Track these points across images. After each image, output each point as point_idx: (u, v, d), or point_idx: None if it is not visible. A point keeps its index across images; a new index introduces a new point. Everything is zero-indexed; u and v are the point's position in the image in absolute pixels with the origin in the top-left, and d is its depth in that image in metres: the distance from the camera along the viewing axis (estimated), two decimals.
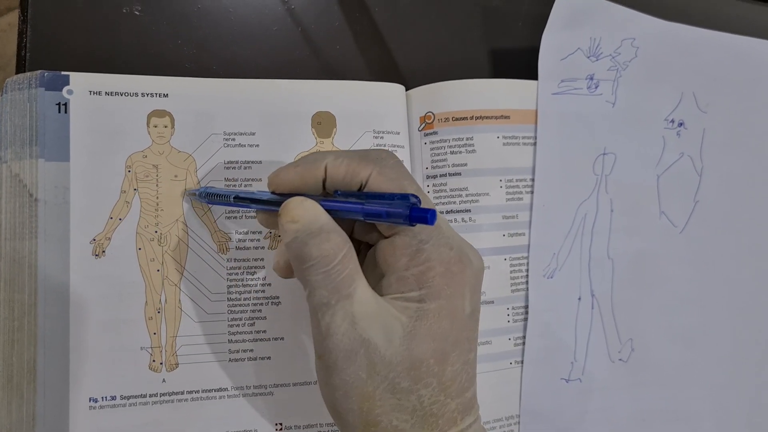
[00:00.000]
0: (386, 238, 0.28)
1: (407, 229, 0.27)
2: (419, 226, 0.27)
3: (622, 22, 0.43)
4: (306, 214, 0.26)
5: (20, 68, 0.35)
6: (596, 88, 0.42)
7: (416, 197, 0.26)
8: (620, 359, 0.40)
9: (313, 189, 0.28)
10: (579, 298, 0.40)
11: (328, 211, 0.27)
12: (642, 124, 0.42)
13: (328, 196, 0.29)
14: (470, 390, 0.28)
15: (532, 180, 0.40)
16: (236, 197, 0.31)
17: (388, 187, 0.27)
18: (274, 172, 0.29)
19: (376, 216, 0.26)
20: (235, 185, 0.36)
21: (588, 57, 0.42)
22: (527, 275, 0.39)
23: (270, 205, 0.30)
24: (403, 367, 0.26)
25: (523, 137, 0.40)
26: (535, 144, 0.40)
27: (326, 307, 0.26)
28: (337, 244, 0.26)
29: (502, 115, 0.39)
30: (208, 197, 0.33)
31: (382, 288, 0.28)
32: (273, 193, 0.30)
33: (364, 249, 0.30)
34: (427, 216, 0.24)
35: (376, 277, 0.28)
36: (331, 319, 0.26)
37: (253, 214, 0.35)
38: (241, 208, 0.35)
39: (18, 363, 0.32)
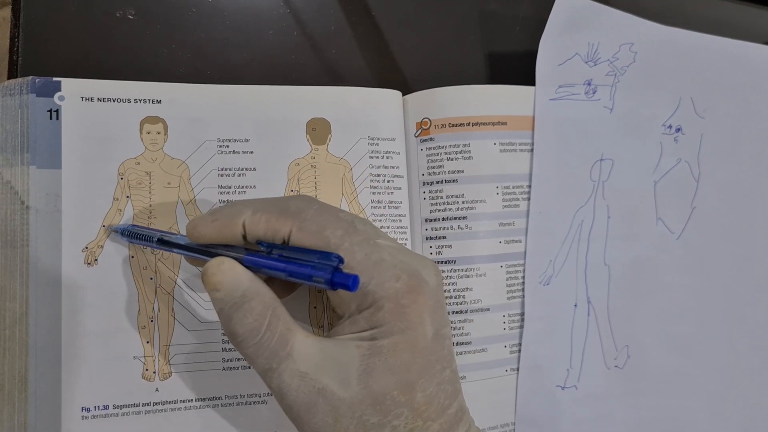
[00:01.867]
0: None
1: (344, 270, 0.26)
2: (361, 265, 0.26)
3: (621, 27, 0.43)
4: (225, 279, 0.26)
5: (12, 73, 0.35)
6: (594, 93, 0.42)
7: (338, 257, 0.25)
8: (616, 366, 0.40)
9: (232, 242, 0.28)
10: (575, 305, 0.40)
11: (251, 268, 0.27)
12: (640, 130, 0.43)
13: (251, 245, 0.28)
14: (452, 406, 0.28)
15: (529, 187, 0.40)
16: (159, 240, 0.31)
17: (311, 243, 0.26)
18: (191, 222, 0.29)
19: (300, 277, 0.25)
20: (229, 192, 0.36)
21: (586, 62, 0.42)
22: (523, 282, 0.39)
23: (194, 252, 0.29)
24: (367, 404, 0.26)
25: (520, 144, 0.40)
26: (532, 150, 0.40)
27: (271, 371, 0.26)
28: (260, 314, 0.26)
29: (498, 122, 0.39)
30: (130, 236, 0.32)
31: (339, 330, 0.28)
32: None
33: None
34: (348, 283, 0.24)
35: (334, 320, 0.29)
36: (280, 380, 0.26)
37: None
38: (164, 251, 0.34)
39: (9, 372, 0.31)
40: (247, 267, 0.27)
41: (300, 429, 0.27)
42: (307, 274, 0.25)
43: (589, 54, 0.42)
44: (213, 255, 0.28)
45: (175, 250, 0.30)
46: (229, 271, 0.26)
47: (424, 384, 0.26)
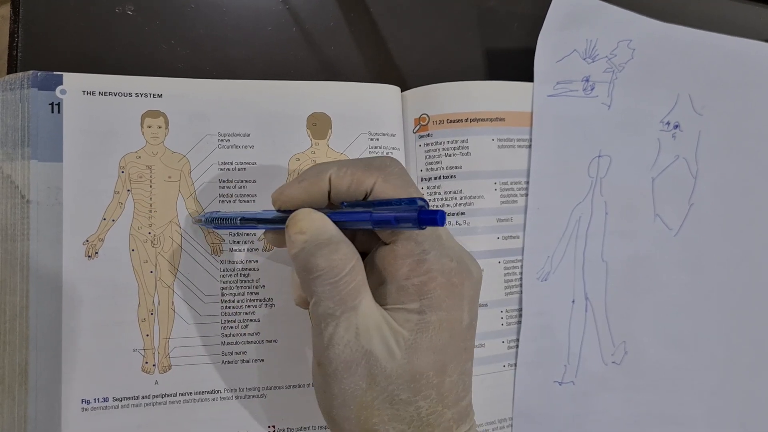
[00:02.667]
0: (387, 245, 0.28)
1: (410, 238, 0.27)
2: (422, 235, 0.27)
3: (619, 24, 0.43)
4: (314, 225, 0.27)
5: (12, 68, 0.35)
6: (592, 90, 0.42)
7: (424, 200, 0.27)
8: (613, 362, 0.41)
9: (318, 202, 0.29)
10: (573, 301, 0.40)
11: (336, 222, 0.27)
12: (638, 127, 0.43)
13: (334, 208, 0.29)
14: (466, 399, 0.28)
15: (527, 183, 0.40)
16: (242, 219, 0.31)
17: (394, 194, 0.27)
18: (278, 189, 0.29)
19: (386, 223, 0.26)
20: (229, 186, 0.36)
21: (584, 59, 0.42)
22: (521, 278, 0.39)
23: (277, 223, 0.29)
24: (404, 380, 0.26)
25: (518, 140, 0.40)
26: (530, 146, 0.40)
27: (331, 318, 0.26)
28: (346, 255, 0.26)
29: (497, 118, 0.40)
30: (214, 222, 0.33)
31: (381, 296, 0.28)
32: (279, 210, 0.30)
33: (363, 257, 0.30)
34: (436, 217, 0.24)
35: (374, 284, 0.28)
36: (335, 330, 0.26)
37: None
38: (249, 230, 0.35)
39: (9, 365, 0.32)
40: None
41: (325, 387, 0.27)
42: (393, 217, 0.25)
43: (587, 50, 0.42)
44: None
45: (259, 226, 0.31)
46: (317, 218, 0.27)
47: (452, 369, 0.27)
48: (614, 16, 0.43)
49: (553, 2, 0.42)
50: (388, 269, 0.28)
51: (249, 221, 0.31)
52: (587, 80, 0.42)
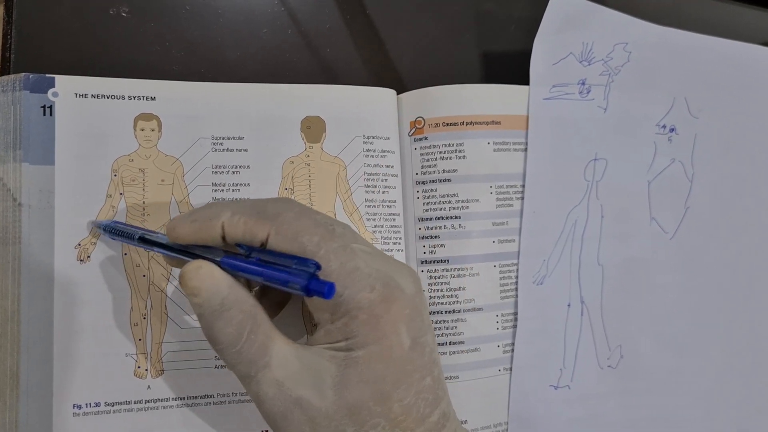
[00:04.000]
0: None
1: None
2: (333, 274, 0.26)
3: (615, 27, 0.44)
4: (204, 285, 0.26)
5: (5, 70, 0.36)
6: (588, 93, 0.43)
7: (315, 264, 0.26)
8: (609, 366, 0.41)
9: (211, 243, 0.28)
10: (568, 305, 0.41)
11: (230, 271, 0.27)
12: (633, 130, 0.44)
13: (230, 247, 0.28)
14: (434, 413, 0.28)
15: (523, 186, 0.41)
16: (140, 238, 0.31)
17: (288, 248, 0.26)
18: (171, 222, 0.29)
19: (276, 282, 0.26)
20: (223, 190, 0.36)
21: (580, 62, 0.43)
22: (517, 282, 0.40)
23: (173, 251, 0.29)
24: (342, 415, 0.26)
25: (514, 143, 0.41)
26: (525, 150, 0.41)
27: (249, 378, 0.27)
28: (241, 323, 0.26)
29: (492, 121, 0.40)
30: (112, 232, 0.33)
31: (315, 337, 0.28)
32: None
33: None
34: (323, 291, 0.24)
35: (311, 325, 0.29)
36: (258, 388, 0.27)
37: None
38: (145, 249, 0.34)
39: (0, 369, 0.32)
40: (224, 270, 0.27)
41: None
42: (284, 279, 0.25)
43: (583, 53, 0.43)
44: (193, 256, 0.28)
45: (155, 249, 0.31)
46: (207, 276, 0.26)
47: (401, 394, 0.27)
48: (610, 19, 0.44)
49: (549, 5, 0.42)
50: (317, 314, 0.28)
51: (147, 242, 0.31)
52: (583, 83, 0.43)
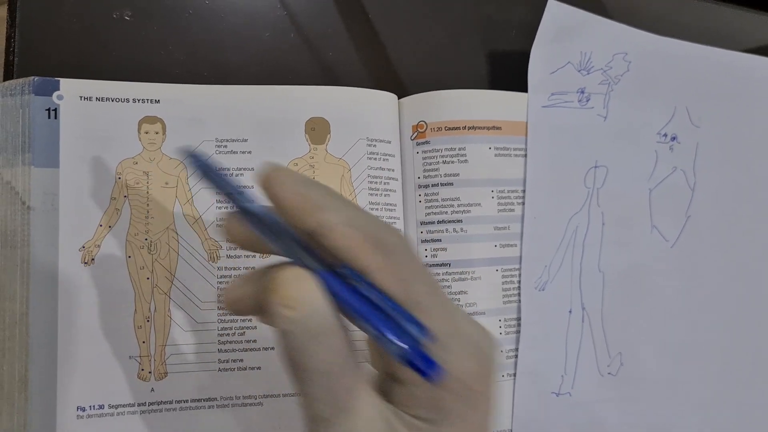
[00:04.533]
0: None
1: None
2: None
3: (613, 37, 0.45)
4: (304, 300, 0.21)
5: (8, 74, 0.37)
6: (587, 101, 0.44)
7: (424, 330, 0.22)
8: (609, 373, 0.42)
9: (297, 225, 0.23)
10: (570, 311, 0.42)
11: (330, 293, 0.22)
12: (634, 138, 0.45)
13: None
14: None
15: (524, 191, 0.41)
16: (232, 193, 0.24)
17: (395, 291, 0.22)
18: (278, 174, 0.23)
19: (377, 334, 0.21)
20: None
21: (579, 71, 0.44)
22: (519, 287, 0.41)
23: (267, 228, 0.23)
24: None
25: (515, 149, 0.42)
26: (526, 156, 0.42)
27: (324, 423, 0.22)
28: (341, 351, 0.22)
29: (493, 126, 0.41)
30: (204, 170, 0.25)
31: (395, 395, 0.24)
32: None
33: None
34: (428, 372, 0.21)
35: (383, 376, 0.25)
36: None
37: None
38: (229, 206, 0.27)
39: (8, 372, 0.33)
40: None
41: None
42: (386, 335, 0.21)
43: (581, 63, 0.44)
44: (287, 251, 0.23)
45: (240, 208, 0.24)
46: (311, 290, 0.22)
47: None
48: (608, 30, 0.45)
49: (544, 15, 0.43)
50: (399, 372, 0.23)
51: (242, 209, 0.24)
52: (582, 92, 0.44)
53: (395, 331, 0.21)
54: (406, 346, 0.21)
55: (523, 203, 0.41)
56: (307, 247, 0.22)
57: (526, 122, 0.42)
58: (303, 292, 0.21)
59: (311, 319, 0.21)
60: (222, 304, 0.29)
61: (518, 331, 0.40)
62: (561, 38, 0.44)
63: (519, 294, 0.41)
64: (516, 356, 0.40)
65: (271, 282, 0.22)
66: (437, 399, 0.23)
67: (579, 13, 0.44)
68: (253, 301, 0.24)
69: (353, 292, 0.22)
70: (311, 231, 0.22)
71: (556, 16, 0.44)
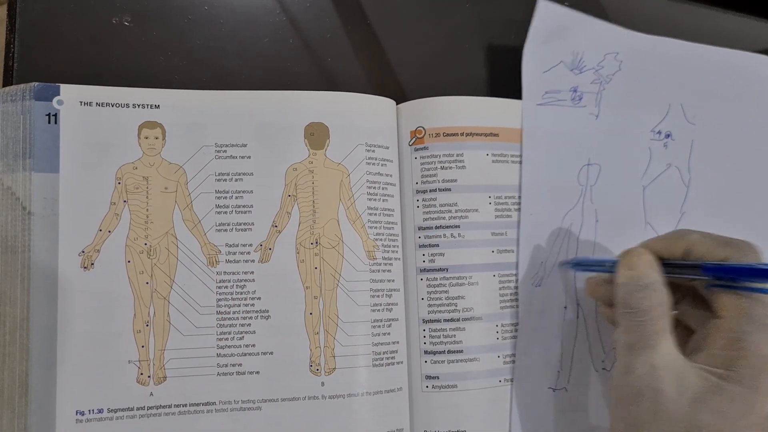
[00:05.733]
0: (715, 318, 0.34)
1: (737, 316, 0.32)
2: (749, 317, 0.32)
3: (605, 37, 0.47)
4: (641, 264, 0.34)
5: (8, 80, 0.38)
6: (580, 100, 0.46)
7: None
8: (604, 368, 0.44)
9: (670, 255, 0.35)
10: (565, 307, 0.43)
11: (670, 266, 0.35)
12: (627, 136, 0.47)
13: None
14: None
15: (521, 197, 0.43)
16: (611, 264, 0.37)
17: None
18: (644, 242, 0.37)
19: (728, 273, 0.32)
20: (226, 197, 0.39)
21: (571, 70, 0.46)
22: (516, 292, 0.42)
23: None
24: (682, 426, 0.31)
25: (512, 155, 0.43)
26: (521, 157, 0.43)
27: (631, 348, 0.33)
28: (655, 304, 0.33)
29: (491, 133, 0.43)
30: (581, 266, 0.42)
31: (690, 352, 0.34)
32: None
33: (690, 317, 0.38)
34: None
35: (691, 341, 0.35)
36: (634, 360, 0.33)
37: (244, 227, 0.38)
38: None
39: (9, 377, 0.34)
40: (706, 277, 0.34)
41: (616, 406, 0.34)
42: (731, 268, 0.32)
43: (573, 62, 0.46)
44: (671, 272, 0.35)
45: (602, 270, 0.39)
46: (646, 261, 0.34)
47: None
48: (600, 30, 0.47)
49: (534, 16, 0.45)
50: (707, 338, 0.33)
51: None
52: (575, 91, 0.46)
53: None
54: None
55: (520, 209, 0.43)
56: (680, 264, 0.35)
57: (521, 122, 0.44)
58: (639, 260, 0.34)
59: (641, 276, 0.34)
60: (586, 290, 0.41)
61: (515, 337, 0.42)
62: (553, 38, 0.46)
63: (516, 297, 0.42)
64: (513, 361, 0.42)
65: (623, 255, 0.36)
66: (733, 362, 0.31)
67: (570, 13, 0.46)
68: (607, 291, 0.37)
69: (732, 265, 0.33)
70: (678, 251, 0.35)
71: (546, 16, 0.46)
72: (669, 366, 0.32)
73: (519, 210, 0.43)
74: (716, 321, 0.33)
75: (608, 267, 0.38)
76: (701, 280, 0.34)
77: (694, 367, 0.32)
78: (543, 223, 0.44)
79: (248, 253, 0.39)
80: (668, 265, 0.35)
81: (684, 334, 0.37)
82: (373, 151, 0.42)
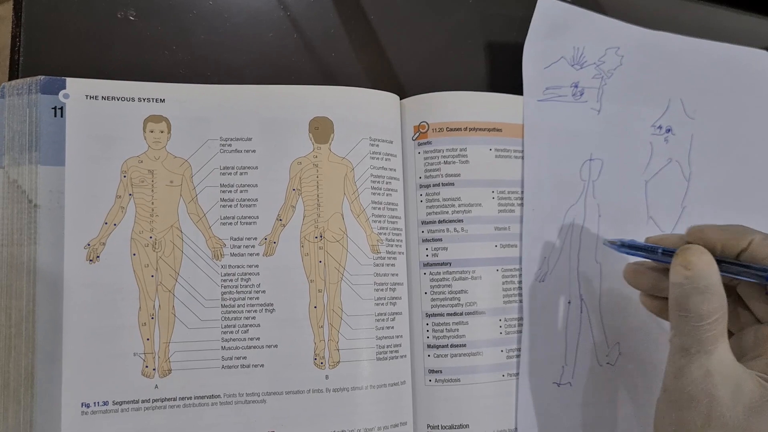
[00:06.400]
0: (763, 323, 0.34)
1: None
2: None
3: (606, 32, 0.47)
4: (700, 264, 0.32)
5: (14, 73, 0.38)
6: (581, 95, 0.46)
7: None
8: (608, 363, 0.44)
9: (729, 252, 0.34)
10: (568, 302, 0.44)
11: (725, 268, 0.33)
12: (629, 131, 0.47)
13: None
14: None
15: (523, 193, 0.43)
16: (663, 252, 0.36)
17: None
18: (700, 225, 0.35)
19: None
20: (231, 191, 0.39)
21: (572, 65, 0.46)
22: (519, 286, 0.42)
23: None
24: None
25: (515, 150, 0.44)
26: (524, 151, 0.44)
27: (685, 352, 0.32)
28: (714, 308, 0.31)
29: (494, 128, 0.43)
30: (631, 248, 0.38)
31: (747, 358, 0.33)
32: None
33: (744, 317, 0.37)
34: None
35: (743, 346, 0.35)
36: (687, 363, 0.32)
37: (249, 220, 0.38)
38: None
39: (15, 370, 0.34)
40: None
41: (666, 410, 0.33)
42: None
43: (574, 57, 0.46)
44: (731, 272, 0.34)
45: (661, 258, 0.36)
46: (706, 261, 0.32)
47: None
48: (600, 25, 0.47)
49: (535, 12, 0.46)
50: (762, 344, 0.33)
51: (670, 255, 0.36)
52: (576, 86, 0.46)
53: None
54: None
55: (522, 204, 0.43)
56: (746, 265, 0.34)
57: (523, 118, 0.44)
58: (698, 258, 0.32)
59: (700, 278, 0.31)
60: (625, 276, 0.39)
61: (519, 331, 0.42)
62: (553, 34, 0.46)
63: (520, 292, 0.42)
64: (517, 356, 0.42)
65: (679, 252, 0.33)
66: None
67: (570, 8, 0.47)
68: (651, 280, 0.37)
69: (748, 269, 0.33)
70: (737, 248, 0.33)
71: (547, 12, 0.46)
72: (725, 372, 0.31)
73: (522, 205, 0.44)
74: (765, 327, 0.33)
75: (660, 255, 0.36)
76: (760, 285, 0.34)
77: (751, 374, 0.32)
78: (545, 219, 0.44)
79: (253, 246, 0.39)
80: (728, 263, 0.34)
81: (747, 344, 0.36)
82: (377, 145, 0.42)
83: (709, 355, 0.31)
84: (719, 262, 0.33)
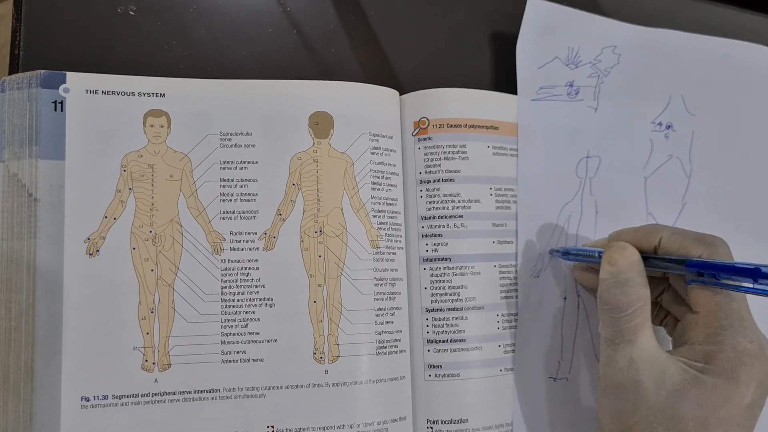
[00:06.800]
0: (693, 313, 0.35)
1: (713, 311, 0.34)
2: (725, 312, 0.33)
3: (601, 31, 0.48)
4: (621, 261, 0.35)
5: (14, 68, 0.38)
6: (576, 94, 0.46)
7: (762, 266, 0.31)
8: None
9: (645, 250, 0.36)
10: (565, 298, 0.44)
11: (648, 261, 0.35)
12: (627, 128, 0.47)
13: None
14: None
15: (517, 191, 0.44)
16: (599, 255, 0.38)
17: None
18: (619, 230, 0.39)
19: (736, 273, 0.31)
20: (231, 185, 0.39)
21: (566, 65, 0.47)
22: (515, 282, 0.42)
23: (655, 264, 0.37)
24: (663, 417, 0.32)
25: (511, 149, 0.44)
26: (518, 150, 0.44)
27: (611, 342, 0.35)
28: (632, 300, 0.34)
29: (491, 126, 0.44)
30: (567, 255, 0.42)
31: (678, 348, 0.35)
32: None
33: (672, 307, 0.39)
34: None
35: (673, 336, 0.38)
36: (614, 353, 0.35)
37: (248, 215, 0.39)
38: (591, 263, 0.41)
39: (15, 363, 0.35)
40: (689, 272, 0.34)
41: (601, 395, 0.35)
42: (745, 269, 0.31)
43: (569, 57, 0.47)
44: (653, 266, 0.36)
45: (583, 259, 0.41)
46: (628, 256, 0.35)
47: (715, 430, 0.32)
48: (595, 24, 0.47)
49: (525, 13, 0.46)
50: (687, 333, 0.35)
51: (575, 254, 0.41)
52: (571, 85, 0.46)
53: (747, 267, 0.31)
54: (754, 271, 0.30)
55: (517, 202, 0.44)
56: (668, 259, 0.36)
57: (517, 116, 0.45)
58: (619, 255, 0.35)
59: (620, 272, 0.35)
60: (576, 278, 0.43)
61: (514, 327, 0.42)
62: (545, 35, 0.46)
63: (515, 288, 0.43)
64: (514, 349, 0.42)
65: (605, 250, 0.36)
66: (712, 356, 0.33)
67: (561, 9, 0.47)
68: (593, 280, 0.40)
69: (713, 263, 0.33)
70: (651, 246, 0.36)
71: (537, 14, 0.46)
72: (648, 359, 0.33)
73: (516, 203, 0.44)
74: (695, 316, 0.35)
75: (597, 257, 0.38)
76: (681, 276, 0.36)
77: (674, 360, 0.34)
78: (540, 216, 0.44)
79: (253, 241, 0.39)
80: (651, 258, 0.36)
81: (674, 323, 0.39)
82: (377, 140, 0.42)
83: (632, 345, 0.34)
84: (647, 258, 0.36)
